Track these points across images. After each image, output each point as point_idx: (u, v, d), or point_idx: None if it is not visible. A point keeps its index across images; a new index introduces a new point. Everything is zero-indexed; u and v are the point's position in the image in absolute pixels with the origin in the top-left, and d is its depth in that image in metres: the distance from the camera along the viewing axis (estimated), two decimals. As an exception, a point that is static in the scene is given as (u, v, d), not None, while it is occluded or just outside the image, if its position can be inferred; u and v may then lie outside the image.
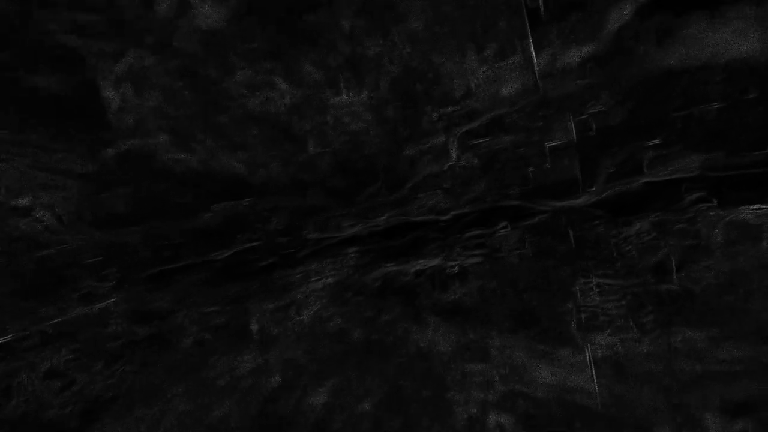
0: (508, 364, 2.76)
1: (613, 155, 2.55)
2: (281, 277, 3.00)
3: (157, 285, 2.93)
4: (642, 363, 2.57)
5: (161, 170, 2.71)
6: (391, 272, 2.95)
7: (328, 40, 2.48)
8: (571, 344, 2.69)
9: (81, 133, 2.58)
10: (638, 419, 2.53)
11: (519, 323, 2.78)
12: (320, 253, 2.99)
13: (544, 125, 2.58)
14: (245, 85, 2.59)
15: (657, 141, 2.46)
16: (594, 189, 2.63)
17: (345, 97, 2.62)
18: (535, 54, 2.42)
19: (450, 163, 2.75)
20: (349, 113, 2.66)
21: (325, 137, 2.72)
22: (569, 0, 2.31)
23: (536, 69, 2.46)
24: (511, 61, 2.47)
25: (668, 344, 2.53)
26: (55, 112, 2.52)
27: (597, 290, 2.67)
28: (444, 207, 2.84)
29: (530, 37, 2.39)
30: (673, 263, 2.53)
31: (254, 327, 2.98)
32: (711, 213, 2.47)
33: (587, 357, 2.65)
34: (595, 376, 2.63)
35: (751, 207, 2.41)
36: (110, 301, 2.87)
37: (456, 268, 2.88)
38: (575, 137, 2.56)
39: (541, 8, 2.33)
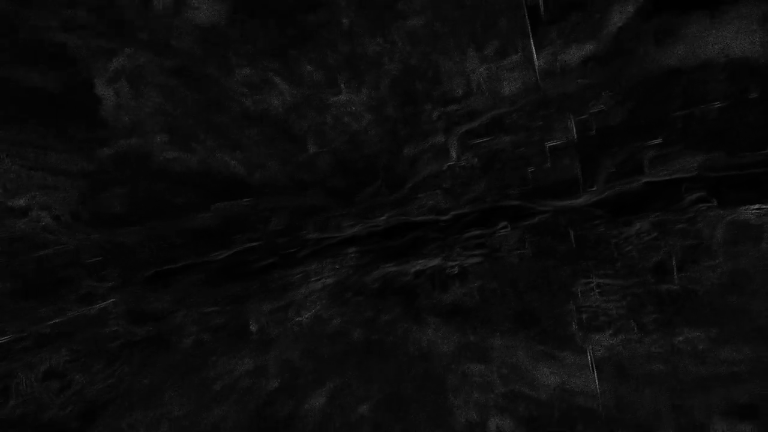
0: (508, 365, 2.75)
1: (613, 155, 2.54)
2: (281, 277, 2.99)
3: (157, 285, 2.92)
4: (644, 364, 2.56)
5: (159, 170, 2.70)
6: (391, 272, 2.94)
7: (328, 39, 2.48)
8: (572, 345, 2.68)
9: (77, 132, 2.57)
10: (641, 422, 2.52)
11: (519, 324, 2.77)
12: (320, 253, 2.98)
13: (544, 125, 2.57)
14: (244, 83, 2.59)
15: (658, 141, 2.46)
16: (594, 189, 2.62)
17: (344, 96, 2.61)
18: (536, 53, 2.42)
19: (450, 163, 2.74)
20: (348, 113, 2.65)
21: (324, 137, 2.71)
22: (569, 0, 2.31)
23: (537, 68, 2.45)
24: (511, 60, 2.46)
25: (670, 345, 2.53)
26: (52, 111, 2.51)
27: (597, 290, 2.66)
28: (444, 207, 2.83)
29: (531, 36, 2.39)
30: (674, 263, 2.53)
31: (253, 327, 2.97)
32: (711, 213, 2.47)
33: (589, 358, 2.64)
34: (596, 378, 2.62)
35: (752, 207, 2.41)
36: (109, 301, 2.85)
37: (456, 269, 2.88)
38: (575, 137, 2.56)
39: (542, 8, 2.32)
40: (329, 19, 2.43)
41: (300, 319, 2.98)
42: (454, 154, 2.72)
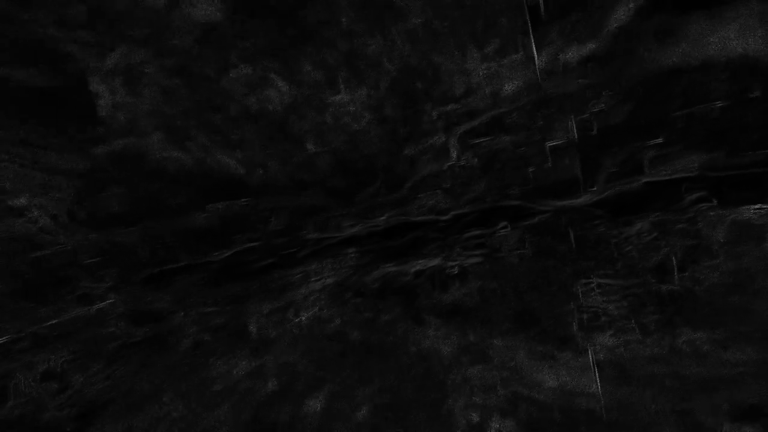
0: (509, 367, 2.74)
1: (614, 155, 2.54)
2: (281, 277, 2.98)
3: (156, 285, 2.91)
4: (645, 365, 2.55)
5: (155, 169, 2.70)
6: (391, 273, 2.93)
7: (327, 38, 2.47)
8: (573, 345, 2.67)
9: (74, 131, 2.56)
10: (643, 423, 2.51)
11: (520, 324, 2.76)
12: (320, 253, 2.97)
13: (544, 124, 2.56)
14: (242, 82, 2.58)
15: (658, 140, 2.45)
16: (595, 189, 2.62)
17: (344, 96, 2.61)
18: (536, 52, 2.41)
19: (450, 163, 2.73)
20: (348, 112, 2.65)
21: (323, 136, 2.71)
22: (570, -2, 2.31)
23: (537, 67, 2.45)
24: (511, 60, 2.46)
25: (672, 346, 2.51)
26: (48, 110, 2.51)
27: (598, 290, 2.65)
28: (444, 207, 2.83)
29: (531, 34, 2.38)
30: (674, 263, 2.52)
31: (253, 328, 2.96)
32: (711, 213, 2.46)
33: (590, 359, 2.63)
34: (598, 379, 2.61)
35: (753, 207, 2.40)
36: (108, 302, 2.85)
37: (456, 269, 2.87)
38: (576, 136, 2.55)
39: (542, 7, 2.32)
40: (329, 19, 2.43)
41: (299, 320, 2.97)
42: (454, 153, 2.71)
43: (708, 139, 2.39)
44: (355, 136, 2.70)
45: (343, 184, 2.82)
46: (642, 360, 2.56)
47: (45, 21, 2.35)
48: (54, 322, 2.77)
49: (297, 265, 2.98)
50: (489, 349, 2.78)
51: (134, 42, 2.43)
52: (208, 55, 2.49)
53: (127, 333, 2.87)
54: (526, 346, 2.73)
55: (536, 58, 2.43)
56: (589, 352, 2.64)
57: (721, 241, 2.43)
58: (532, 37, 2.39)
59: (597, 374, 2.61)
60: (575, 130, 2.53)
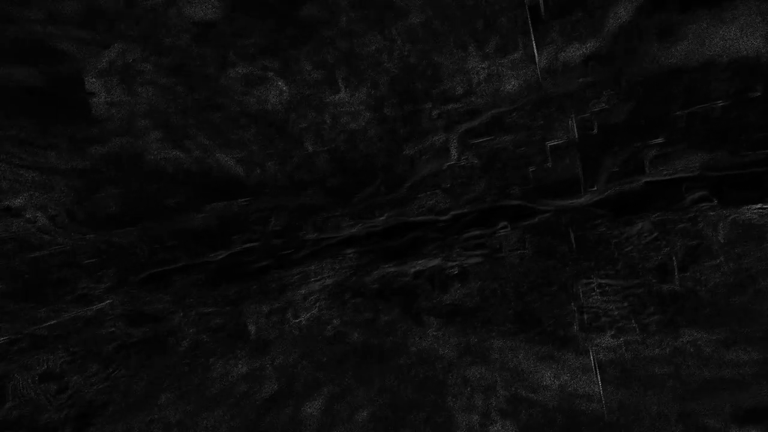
0: (509, 367, 2.73)
1: (615, 154, 2.53)
2: (280, 277, 2.97)
3: (154, 286, 2.90)
4: (647, 366, 2.54)
5: (153, 169, 2.69)
6: (390, 273, 2.92)
7: (327, 37, 2.46)
8: (574, 346, 2.66)
9: (70, 131, 2.55)
10: (645, 425, 2.50)
11: (520, 325, 2.75)
12: (318, 253, 2.96)
13: (545, 124, 2.55)
14: (241, 81, 2.57)
15: (659, 140, 2.44)
16: (595, 188, 2.61)
17: (343, 95, 2.60)
18: (537, 51, 2.40)
19: (450, 163, 2.72)
20: (347, 112, 2.64)
21: (322, 136, 2.70)
22: (570, -3, 2.29)
23: (538, 66, 2.43)
24: (512, 59, 2.45)
25: (674, 347, 2.51)
26: (43, 109, 2.50)
27: (599, 291, 2.64)
28: (443, 207, 2.82)
29: (532, 33, 2.37)
30: (675, 263, 2.51)
31: (252, 329, 2.95)
32: (712, 213, 2.45)
33: (591, 360, 2.62)
34: (599, 380, 2.60)
35: (755, 206, 2.40)
36: (106, 303, 2.84)
37: (456, 269, 2.86)
38: (577, 136, 2.54)
39: (542, 6, 2.31)
40: (328, 18, 2.41)
41: (298, 321, 2.96)
42: (454, 153, 2.70)
43: (709, 139, 2.38)
44: (355, 135, 2.69)
45: (342, 184, 2.81)
46: (643, 360, 2.55)
47: (38, 18, 2.34)
48: (52, 322, 2.77)
49: (296, 266, 2.97)
50: (489, 349, 2.78)
51: (131, 40, 2.42)
52: (206, 53, 2.48)
53: (125, 333, 2.86)
54: (526, 347, 2.73)
55: (536, 58, 2.41)
56: (590, 352, 2.63)
57: (722, 241, 2.43)
58: (532, 36, 2.37)
59: (598, 375, 2.60)
60: (576, 130, 2.53)
